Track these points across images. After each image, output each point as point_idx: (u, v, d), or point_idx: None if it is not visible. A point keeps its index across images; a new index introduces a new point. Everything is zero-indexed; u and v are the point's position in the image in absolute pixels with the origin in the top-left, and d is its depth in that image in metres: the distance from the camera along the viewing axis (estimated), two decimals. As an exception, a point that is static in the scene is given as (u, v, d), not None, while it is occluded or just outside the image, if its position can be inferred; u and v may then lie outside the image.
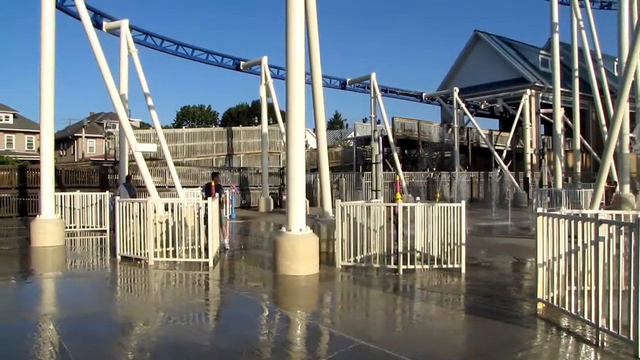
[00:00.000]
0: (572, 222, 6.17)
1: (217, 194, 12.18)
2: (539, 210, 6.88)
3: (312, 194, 26.63)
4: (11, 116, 64.40)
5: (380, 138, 27.59)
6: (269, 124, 29.10)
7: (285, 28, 9.56)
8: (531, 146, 37.74)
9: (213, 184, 13.08)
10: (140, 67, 19.93)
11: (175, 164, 22.96)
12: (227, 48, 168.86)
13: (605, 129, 24.63)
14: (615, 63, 34.65)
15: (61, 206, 16.92)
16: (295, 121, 9.65)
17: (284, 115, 10.43)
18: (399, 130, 36.02)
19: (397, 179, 23.49)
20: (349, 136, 50.54)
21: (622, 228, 5.36)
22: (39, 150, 16.10)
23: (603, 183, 14.23)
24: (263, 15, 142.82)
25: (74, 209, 17.54)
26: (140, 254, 10.96)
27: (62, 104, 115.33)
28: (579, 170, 30.60)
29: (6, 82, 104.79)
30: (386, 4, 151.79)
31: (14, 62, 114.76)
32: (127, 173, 20.26)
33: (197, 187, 24.36)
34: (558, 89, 28.98)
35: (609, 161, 14.26)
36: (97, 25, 21.54)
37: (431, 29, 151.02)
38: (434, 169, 35.46)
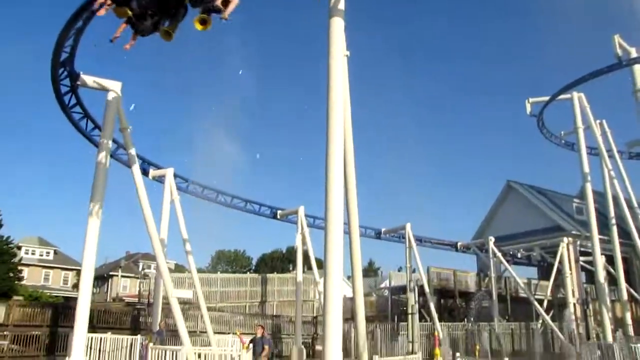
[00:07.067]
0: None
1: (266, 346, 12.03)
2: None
3: (346, 344, 25.59)
4: (52, 252, 66.05)
5: (416, 288, 27.04)
6: (303, 271, 29.08)
7: (325, 183, 9.99)
8: (573, 295, 36.17)
9: (263, 333, 12.84)
10: (181, 213, 20.75)
11: (208, 308, 22.76)
12: (264, 196, 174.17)
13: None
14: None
15: (90, 347, 16.59)
16: (333, 272, 9.68)
17: (319, 263, 10.51)
18: (435, 280, 35.38)
19: (436, 333, 22.58)
20: (383, 284, 49.64)
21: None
22: (74, 286, 16.38)
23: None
24: (300, 168, 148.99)
25: (104, 351, 17.23)
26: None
27: (99, 242, 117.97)
28: (629, 321, 28.78)
29: (49, 218, 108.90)
30: (417, 159, 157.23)
31: (60, 200, 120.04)
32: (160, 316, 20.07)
33: (228, 333, 23.84)
34: (596, 237, 28.47)
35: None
36: (144, 172, 22.63)
37: (462, 179, 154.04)
38: (472, 319, 34.05)
